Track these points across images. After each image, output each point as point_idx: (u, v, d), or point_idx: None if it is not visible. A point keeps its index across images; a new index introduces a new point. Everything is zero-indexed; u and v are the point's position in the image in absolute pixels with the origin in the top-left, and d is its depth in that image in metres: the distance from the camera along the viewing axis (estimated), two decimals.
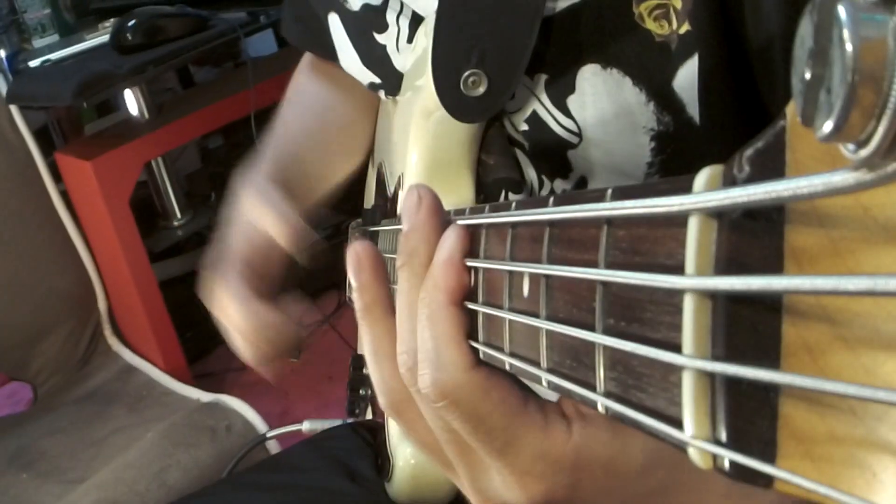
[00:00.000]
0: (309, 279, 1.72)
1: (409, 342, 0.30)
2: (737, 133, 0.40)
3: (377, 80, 0.58)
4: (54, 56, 1.35)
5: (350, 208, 0.78)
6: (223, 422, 1.23)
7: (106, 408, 1.33)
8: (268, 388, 1.62)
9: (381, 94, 0.59)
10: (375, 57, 0.56)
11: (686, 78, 0.40)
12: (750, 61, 0.38)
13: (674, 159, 0.42)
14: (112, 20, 1.39)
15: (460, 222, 0.29)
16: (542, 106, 0.45)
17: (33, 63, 1.34)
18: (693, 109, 0.41)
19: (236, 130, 1.58)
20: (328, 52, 0.62)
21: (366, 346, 0.33)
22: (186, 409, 1.28)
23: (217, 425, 1.23)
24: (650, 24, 0.39)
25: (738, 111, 0.40)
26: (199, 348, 1.70)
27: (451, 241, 0.29)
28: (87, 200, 1.39)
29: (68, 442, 1.25)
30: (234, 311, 0.52)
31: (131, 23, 1.31)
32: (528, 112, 0.46)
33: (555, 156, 0.46)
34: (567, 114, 0.44)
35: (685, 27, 0.38)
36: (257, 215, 0.53)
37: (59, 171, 1.40)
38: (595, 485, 0.27)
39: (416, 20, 0.52)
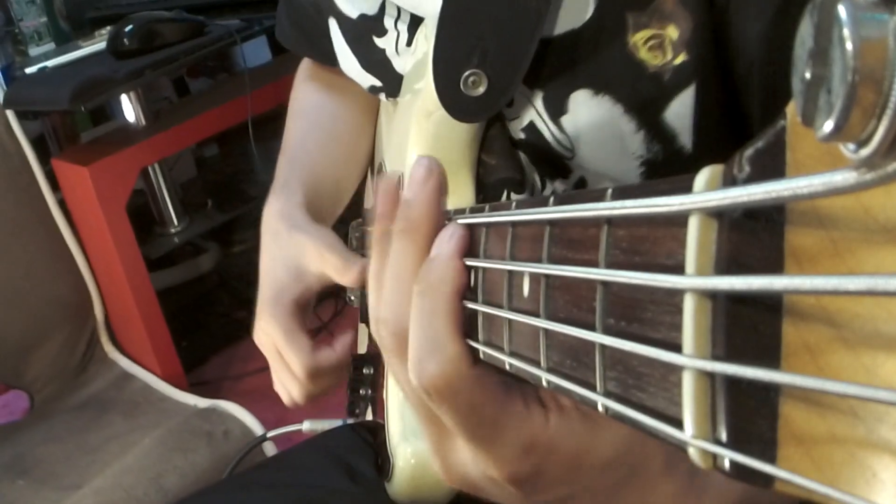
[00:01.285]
0: None
1: (399, 313, 0.29)
2: (727, 157, 0.40)
3: (378, 83, 0.58)
4: (51, 63, 1.35)
5: (352, 208, 0.78)
6: (220, 427, 1.23)
7: (102, 415, 1.32)
8: (264, 395, 1.61)
9: (382, 96, 0.59)
10: (375, 61, 0.56)
11: (680, 108, 0.40)
12: (737, 87, 0.39)
13: None
14: (108, 28, 1.39)
15: (461, 221, 0.29)
16: (540, 117, 0.45)
17: (29, 70, 1.34)
18: (686, 138, 0.41)
19: (231, 139, 1.58)
20: (326, 57, 0.62)
21: (389, 266, 0.31)
22: (183, 415, 1.28)
23: (214, 430, 1.23)
24: (644, 55, 0.40)
25: (731, 137, 0.40)
26: (196, 357, 1.70)
27: (457, 236, 0.29)
28: (83, 207, 1.39)
29: (65, 449, 1.24)
30: (292, 358, 0.53)
31: (128, 28, 1.32)
32: (526, 122, 0.46)
33: (553, 160, 0.47)
34: (561, 130, 0.44)
35: (681, 58, 0.39)
36: (312, 258, 0.53)
37: (55, 180, 1.40)
38: (560, 472, 0.28)
39: (415, 24, 0.52)
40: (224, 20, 1.44)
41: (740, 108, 0.39)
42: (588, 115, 0.42)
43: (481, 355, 0.28)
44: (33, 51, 1.43)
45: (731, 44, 0.38)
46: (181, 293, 1.75)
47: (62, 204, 1.39)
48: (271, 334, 0.54)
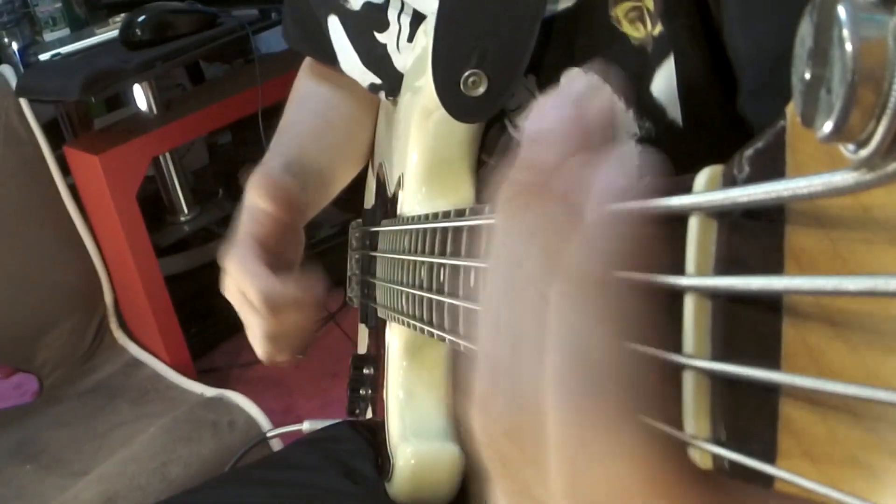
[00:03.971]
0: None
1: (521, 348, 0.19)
2: (723, 133, 0.39)
3: (378, 81, 0.58)
4: (64, 50, 1.35)
5: (357, 207, 0.79)
6: (226, 417, 1.24)
7: (110, 401, 1.33)
8: (271, 384, 1.62)
9: (382, 95, 0.59)
10: (376, 56, 0.56)
11: (664, 81, 0.39)
12: (726, 56, 0.38)
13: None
14: (122, 15, 1.40)
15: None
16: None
17: (43, 56, 1.35)
18: (675, 112, 0.40)
19: (244, 127, 1.58)
20: (327, 57, 0.62)
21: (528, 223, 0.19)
22: (190, 404, 1.28)
23: (220, 421, 1.23)
24: (626, 28, 0.39)
25: (724, 111, 0.39)
26: (204, 344, 1.70)
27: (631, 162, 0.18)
28: (94, 194, 1.40)
29: (72, 434, 1.25)
30: (248, 286, 0.51)
31: (141, 18, 1.32)
32: (526, 111, 0.46)
33: None
34: None
35: (658, 28, 0.38)
36: (260, 192, 0.54)
37: (66, 165, 1.41)
38: None
39: (418, 19, 0.52)
40: (240, 9, 1.44)
41: (730, 75, 0.39)
42: None
43: None
44: (48, 36, 1.43)
45: (715, 7, 0.37)
46: (191, 279, 1.75)
47: (73, 189, 1.40)
48: (230, 272, 0.53)
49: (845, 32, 0.12)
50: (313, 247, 1.74)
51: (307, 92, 0.71)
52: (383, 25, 0.54)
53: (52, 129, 1.43)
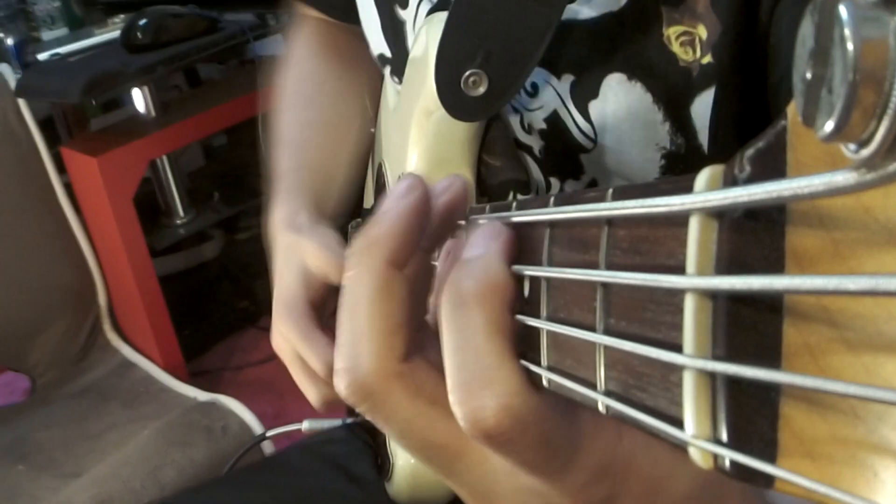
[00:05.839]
0: None
1: (357, 353, 0.24)
2: None
3: (388, 54, 0.58)
4: (63, 50, 1.35)
5: (355, 207, 0.78)
6: (219, 422, 1.24)
7: (103, 403, 1.33)
8: (263, 387, 1.61)
9: (387, 71, 0.59)
10: (394, 28, 0.56)
11: (702, 107, 0.41)
12: (769, 97, 0.39)
13: None
14: (121, 16, 1.39)
15: (460, 221, 0.29)
16: (564, 106, 0.45)
17: (42, 56, 1.34)
18: (703, 138, 0.42)
19: (240, 129, 1.58)
20: (342, 11, 0.61)
21: (360, 299, 0.25)
22: (183, 408, 1.28)
23: (213, 425, 1.23)
24: (676, 48, 0.40)
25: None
26: (197, 346, 1.70)
27: (504, 236, 0.24)
28: (90, 196, 1.40)
29: (64, 435, 1.25)
30: (312, 357, 0.52)
31: (142, 21, 1.32)
32: (550, 111, 0.46)
33: (568, 157, 0.47)
34: (587, 117, 0.45)
35: (707, 58, 0.39)
36: (313, 260, 0.53)
37: (62, 163, 1.40)
38: (635, 495, 0.24)
39: (434, 8, 0.52)
40: (239, 13, 1.44)
41: (771, 118, 0.40)
42: (617, 100, 0.43)
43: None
44: (46, 35, 1.42)
45: (770, 52, 0.38)
46: (184, 280, 1.75)
47: (68, 188, 1.39)
48: (288, 338, 0.54)
49: (846, 32, 0.12)
50: None
51: (314, 81, 0.69)
52: (404, 3, 0.54)
53: (47, 128, 1.42)
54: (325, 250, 0.52)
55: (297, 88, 0.69)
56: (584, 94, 0.44)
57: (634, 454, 0.24)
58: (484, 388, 0.22)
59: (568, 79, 0.45)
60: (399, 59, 0.56)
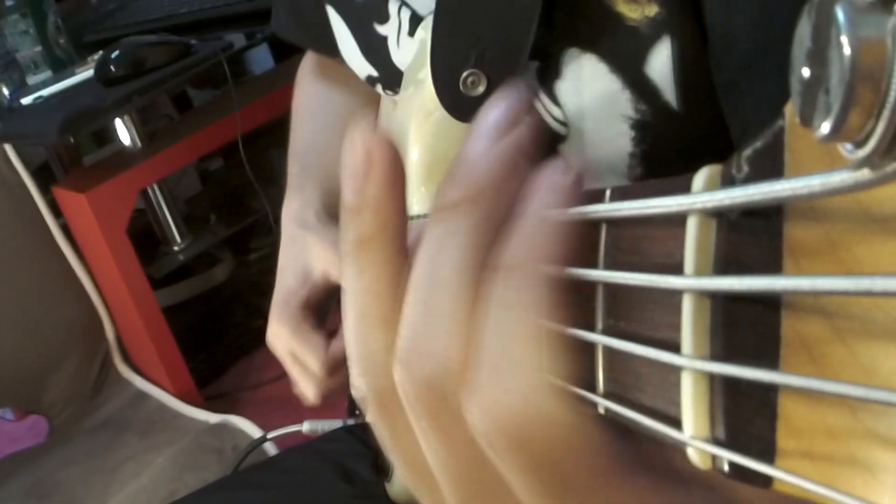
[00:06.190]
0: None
1: (452, 335, 0.19)
2: (718, 118, 0.39)
3: (375, 74, 0.58)
4: (46, 92, 1.35)
5: None
6: (230, 443, 1.25)
7: (119, 436, 1.34)
8: (279, 404, 1.61)
9: (378, 88, 0.59)
10: (375, 48, 0.56)
11: (659, 62, 0.39)
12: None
13: (655, 149, 0.42)
14: (101, 52, 1.39)
15: None
16: (537, 95, 0.45)
17: (26, 100, 1.34)
18: (670, 94, 0.40)
19: (236, 152, 1.59)
20: (326, 47, 0.62)
21: (350, 303, 0.22)
22: (195, 432, 1.29)
23: (224, 447, 1.25)
24: (621, 7, 0.39)
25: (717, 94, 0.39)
26: (213, 370, 1.69)
27: (564, 181, 0.19)
28: (85, 232, 1.40)
29: (82, 472, 1.26)
30: (307, 356, 0.52)
31: (114, 54, 1.32)
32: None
33: (549, 150, 0.47)
34: (555, 101, 0.44)
35: (653, 8, 0.38)
36: (316, 257, 0.53)
37: (55, 202, 1.42)
38: None
39: (417, 17, 0.52)
40: (229, 33, 1.44)
41: None
42: (577, 76, 0.42)
43: None
44: (31, 79, 1.43)
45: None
46: (196, 305, 1.75)
47: (66, 228, 1.41)
48: (283, 337, 0.54)
49: (843, 32, 0.12)
50: None
51: (318, 102, 0.70)
52: (384, 17, 0.54)
53: (44, 171, 1.44)
54: (328, 246, 0.53)
55: (307, 103, 0.70)
56: (549, 77, 0.43)
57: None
58: (505, 379, 0.18)
59: (533, 65, 0.44)
60: (388, 74, 0.56)
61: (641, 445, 0.19)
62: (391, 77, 0.55)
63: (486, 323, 0.18)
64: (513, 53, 0.41)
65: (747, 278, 0.15)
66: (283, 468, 0.64)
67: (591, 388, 0.20)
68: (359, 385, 0.23)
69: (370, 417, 0.23)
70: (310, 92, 0.71)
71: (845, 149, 0.13)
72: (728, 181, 0.16)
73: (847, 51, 0.12)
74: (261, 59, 1.87)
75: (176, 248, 1.72)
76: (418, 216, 0.47)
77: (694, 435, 0.16)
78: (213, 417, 1.33)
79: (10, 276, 1.35)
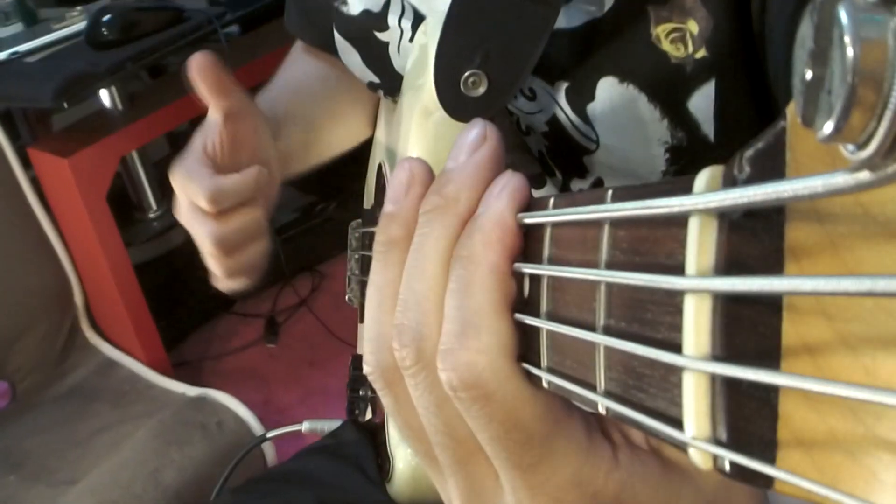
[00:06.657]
0: (285, 262, 1.71)
1: (424, 312, 0.24)
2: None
3: (376, 80, 0.58)
4: (23, 48, 1.30)
5: (319, 189, 0.79)
6: (213, 418, 1.23)
7: (88, 405, 1.31)
8: (246, 375, 1.59)
9: (381, 93, 0.59)
10: (376, 56, 0.56)
11: (702, 100, 0.41)
12: (769, 87, 0.39)
13: (688, 169, 0.43)
14: (78, 9, 1.33)
15: None
16: (562, 111, 0.45)
17: (2, 55, 1.29)
18: (708, 128, 0.42)
19: (202, 114, 1.56)
20: (331, 49, 0.62)
21: (373, 292, 0.27)
22: (174, 405, 1.26)
23: (207, 422, 1.22)
24: (666, 46, 0.40)
25: (756, 130, 0.40)
26: (174, 336, 1.66)
27: (511, 187, 0.23)
28: (62, 196, 1.35)
29: (53, 441, 1.23)
30: (193, 190, 0.51)
31: (106, 18, 1.27)
32: (549, 115, 0.46)
33: (572, 158, 0.47)
34: (586, 120, 0.45)
35: (701, 52, 0.39)
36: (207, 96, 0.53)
37: (27, 161, 1.36)
38: None
39: (419, 21, 0.52)
40: (201, 4, 1.41)
41: (772, 106, 0.40)
42: (613, 102, 0.43)
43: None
44: (1, 32, 1.36)
45: (765, 42, 0.38)
46: (154, 269, 1.70)
47: (35, 184, 1.35)
48: (177, 185, 0.52)
49: (845, 33, 0.12)
50: (277, 233, 1.71)
51: (304, 60, 0.70)
52: (384, 27, 0.55)
53: (7, 123, 1.38)
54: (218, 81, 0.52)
55: (289, 65, 0.71)
56: (580, 98, 0.44)
57: (633, 487, 0.23)
58: (461, 339, 0.22)
59: (561, 86, 0.45)
60: (389, 81, 0.56)
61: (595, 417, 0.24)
62: (392, 83, 0.56)
63: (449, 300, 0.23)
64: (518, 60, 0.41)
65: (749, 279, 0.15)
66: (304, 476, 0.63)
67: (592, 387, 0.20)
68: (369, 361, 0.27)
69: (378, 390, 0.28)
70: (296, 59, 0.72)
71: (847, 150, 0.13)
72: (730, 182, 0.16)
73: (849, 51, 0.12)
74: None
75: (151, 215, 1.69)
76: None
77: (695, 435, 0.16)
78: (190, 390, 1.30)
79: None
